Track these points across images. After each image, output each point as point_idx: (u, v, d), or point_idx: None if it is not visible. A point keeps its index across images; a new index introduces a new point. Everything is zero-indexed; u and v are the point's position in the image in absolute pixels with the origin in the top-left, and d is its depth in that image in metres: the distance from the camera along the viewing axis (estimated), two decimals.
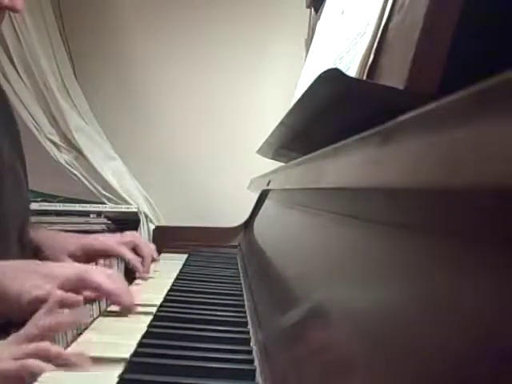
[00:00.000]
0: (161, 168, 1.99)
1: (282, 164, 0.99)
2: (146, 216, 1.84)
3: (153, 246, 0.98)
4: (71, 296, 0.62)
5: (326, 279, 0.43)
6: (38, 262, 0.72)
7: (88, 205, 1.79)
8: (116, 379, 0.44)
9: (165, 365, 0.46)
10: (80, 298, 0.63)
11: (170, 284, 0.81)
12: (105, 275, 0.66)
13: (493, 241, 0.17)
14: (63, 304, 0.62)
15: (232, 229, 1.37)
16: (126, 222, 1.80)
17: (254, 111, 1.97)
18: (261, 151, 1.04)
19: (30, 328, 0.54)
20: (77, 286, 0.64)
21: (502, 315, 0.16)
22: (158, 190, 1.96)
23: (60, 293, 0.62)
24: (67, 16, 1.90)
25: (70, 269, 0.66)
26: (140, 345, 0.52)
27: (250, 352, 0.52)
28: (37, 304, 0.61)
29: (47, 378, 0.44)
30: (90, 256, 0.90)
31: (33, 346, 0.50)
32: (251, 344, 0.54)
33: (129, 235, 0.95)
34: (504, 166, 0.14)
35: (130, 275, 0.91)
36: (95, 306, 0.77)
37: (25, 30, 1.67)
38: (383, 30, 0.49)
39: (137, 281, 0.87)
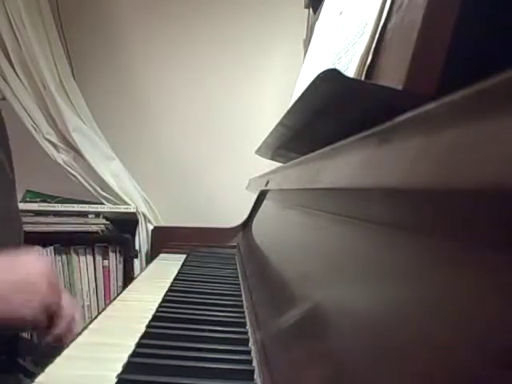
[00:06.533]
0: (159, 168, 1.99)
1: (280, 164, 0.99)
2: (145, 216, 1.83)
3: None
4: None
5: (324, 279, 0.43)
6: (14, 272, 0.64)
7: (86, 205, 1.78)
8: (115, 379, 0.44)
9: (163, 365, 0.46)
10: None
11: (168, 285, 0.81)
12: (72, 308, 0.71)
13: (492, 241, 0.17)
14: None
15: (230, 229, 1.37)
16: (125, 222, 1.79)
17: (252, 111, 1.96)
18: (259, 152, 1.04)
19: None
20: (51, 313, 0.66)
21: (501, 315, 0.16)
22: (156, 191, 1.96)
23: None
24: (65, 16, 1.90)
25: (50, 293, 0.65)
26: (138, 345, 0.52)
27: (248, 352, 0.52)
28: (39, 321, 0.64)
29: (46, 378, 0.44)
30: None
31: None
32: (250, 344, 0.54)
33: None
34: (503, 166, 0.14)
35: (129, 275, 0.91)
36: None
37: (23, 30, 1.66)
38: (381, 30, 0.49)
39: (137, 280, 0.87)
